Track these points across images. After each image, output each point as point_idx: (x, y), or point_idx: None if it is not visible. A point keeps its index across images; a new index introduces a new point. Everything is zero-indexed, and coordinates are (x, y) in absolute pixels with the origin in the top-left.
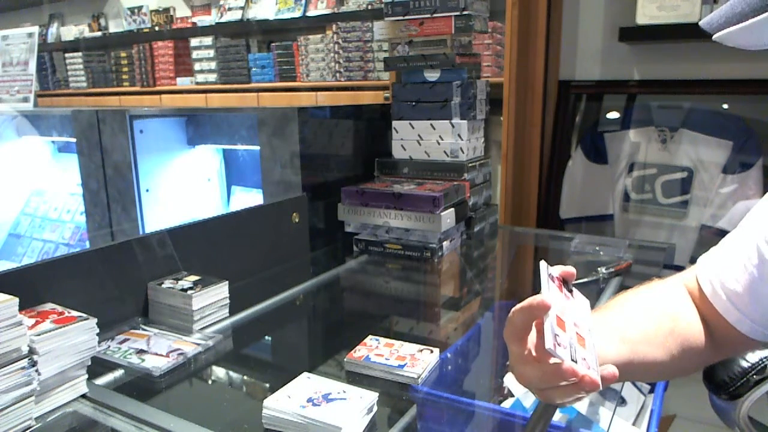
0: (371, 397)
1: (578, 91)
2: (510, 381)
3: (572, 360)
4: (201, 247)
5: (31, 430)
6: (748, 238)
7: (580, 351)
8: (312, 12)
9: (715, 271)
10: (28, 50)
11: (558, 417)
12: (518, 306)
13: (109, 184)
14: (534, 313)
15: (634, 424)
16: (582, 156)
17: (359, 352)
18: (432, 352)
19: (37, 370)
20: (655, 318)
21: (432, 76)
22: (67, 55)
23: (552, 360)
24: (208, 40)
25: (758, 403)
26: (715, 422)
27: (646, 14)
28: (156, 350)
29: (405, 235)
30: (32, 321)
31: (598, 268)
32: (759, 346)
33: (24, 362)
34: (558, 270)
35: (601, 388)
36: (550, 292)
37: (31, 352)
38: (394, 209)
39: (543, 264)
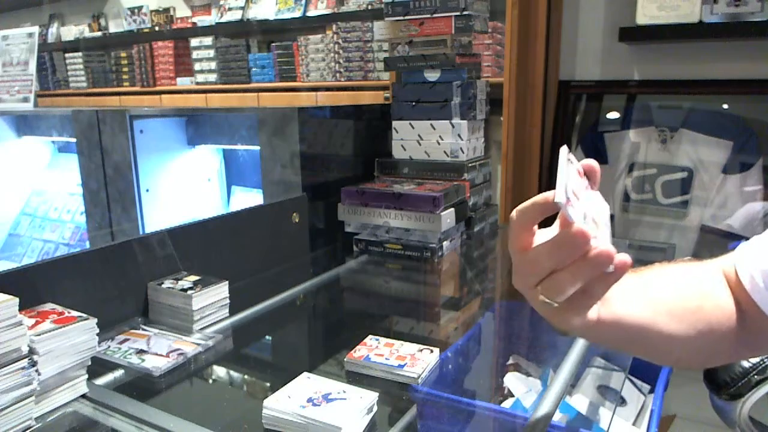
0: (371, 397)
1: (578, 91)
2: (510, 381)
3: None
4: (201, 247)
5: (31, 430)
6: None
7: (592, 230)
8: (312, 12)
9: (757, 264)
10: (28, 50)
11: (558, 417)
12: (521, 206)
13: (109, 184)
14: (540, 209)
15: (634, 424)
16: (582, 156)
17: (359, 352)
18: (432, 351)
19: (37, 370)
20: (685, 290)
21: (432, 76)
22: (67, 55)
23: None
24: (208, 40)
25: (759, 404)
26: (715, 422)
27: (646, 14)
28: (156, 350)
29: (405, 235)
30: (32, 321)
31: None
32: None
33: (24, 362)
34: (580, 163)
35: (611, 266)
36: (566, 174)
37: (31, 352)
38: (394, 209)
39: (563, 148)
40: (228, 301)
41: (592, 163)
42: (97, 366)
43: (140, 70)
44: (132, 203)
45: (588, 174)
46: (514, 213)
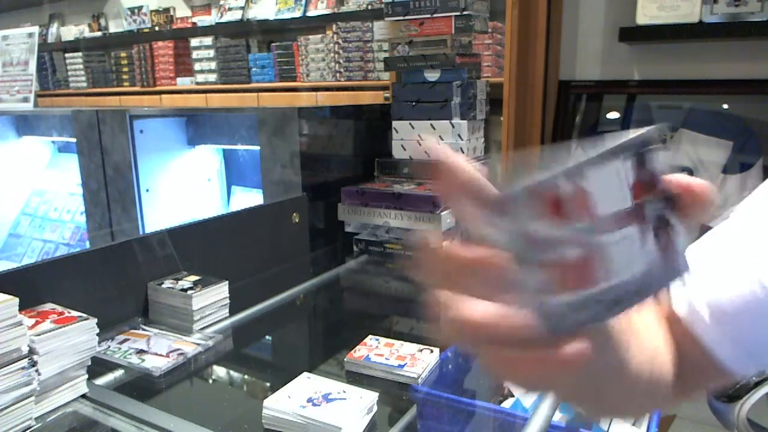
0: (371, 397)
1: (578, 91)
2: None
3: None
4: (201, 247)
5: (31, 430)
6: (744, 250)
7: None
8: (312, 12)
9: (697, 293)
10: (28, 50)
11: (558, 417)
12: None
13: (109, 184)
14: None
15: (634, 424)
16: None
17: (359, 352)
18: (432, 351)
19: (37, 370)
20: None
21: (432, 76)
22: (67, 55)
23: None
24: (208, 40)
25: (757, 406)
26: (714, 423)
27: (646, 14)
28: (156, 350)
29: (405, 235)
30: (32, 321)
31: None
32: (735, 380)
33: (24, 362)
34: None
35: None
36: None
37: (31, 352)
38: (394, 209)
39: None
40: (228, 301)
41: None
42: (97, 366)
43: (140, 70)
44: (132, 203)
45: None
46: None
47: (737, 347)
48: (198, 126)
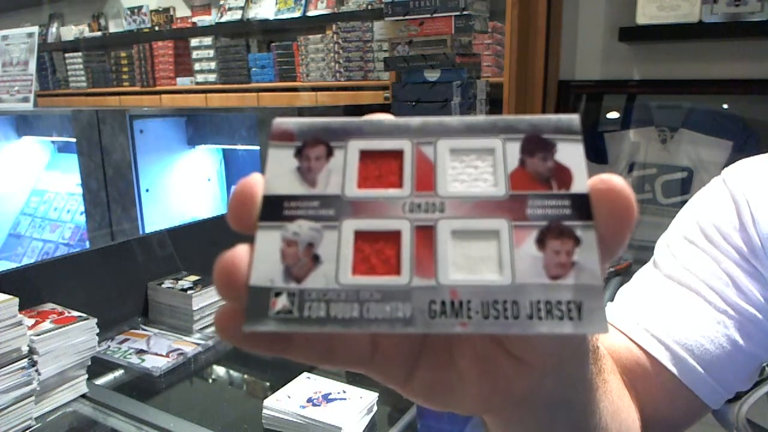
0: (371, 397)
1: (578, 91)
2: None
3: None
4: (201, 247)
5: (31, 430)
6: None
7: None
8: (312, 12)
9: (673, 335)
10: (28, 50)
11: None
12: None
13: (109, 184)
14: None
15: None
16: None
17: None
18: None
19: (37, 370)
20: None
21: (432, 76)
22: (67, 55)
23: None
24: (208, 40)
25: (756, 405)
26: (713, 422)
27: (646, 14)
28: (156, 350)
29: None
30: (32, 321)
31: None
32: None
33: (24, 362)
34: None
35: None
36: None
37: (31, 352)
38: None
39: None
40: None
41: None
42: (97, 366)
43: (140, 70)
44: (132, 203)
45: None
46: None
47: (725, 389)
48: (198, 126)
